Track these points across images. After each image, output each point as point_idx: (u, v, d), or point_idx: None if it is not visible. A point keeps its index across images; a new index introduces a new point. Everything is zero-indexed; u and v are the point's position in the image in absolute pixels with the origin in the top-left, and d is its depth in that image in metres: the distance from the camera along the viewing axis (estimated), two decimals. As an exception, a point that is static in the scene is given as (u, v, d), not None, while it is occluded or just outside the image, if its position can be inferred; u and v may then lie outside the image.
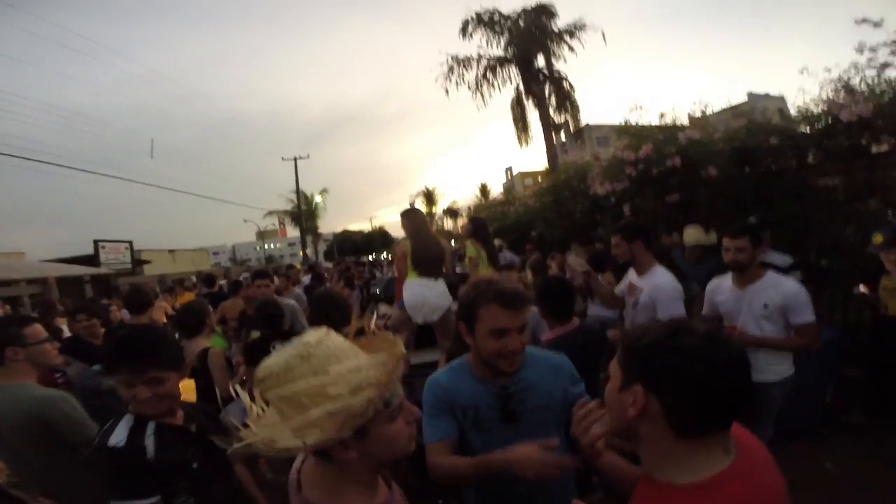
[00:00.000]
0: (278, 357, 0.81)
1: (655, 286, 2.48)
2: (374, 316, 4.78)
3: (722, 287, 2.67)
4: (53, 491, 1.76)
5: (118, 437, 1.26)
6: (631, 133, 4.51)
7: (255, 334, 3.59)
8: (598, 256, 4.58)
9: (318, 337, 0.84)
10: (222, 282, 9.18)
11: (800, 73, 3.64)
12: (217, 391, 2.64)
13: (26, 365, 1.83)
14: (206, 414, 1.58)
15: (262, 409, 0.87)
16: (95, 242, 16.06)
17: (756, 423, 2.22)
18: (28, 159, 12.56)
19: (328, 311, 2.42)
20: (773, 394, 2.43)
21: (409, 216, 3.71)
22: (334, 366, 0.79)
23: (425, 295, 3.33)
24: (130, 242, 17.77)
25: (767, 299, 2.42)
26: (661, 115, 4.58)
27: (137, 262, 18.26)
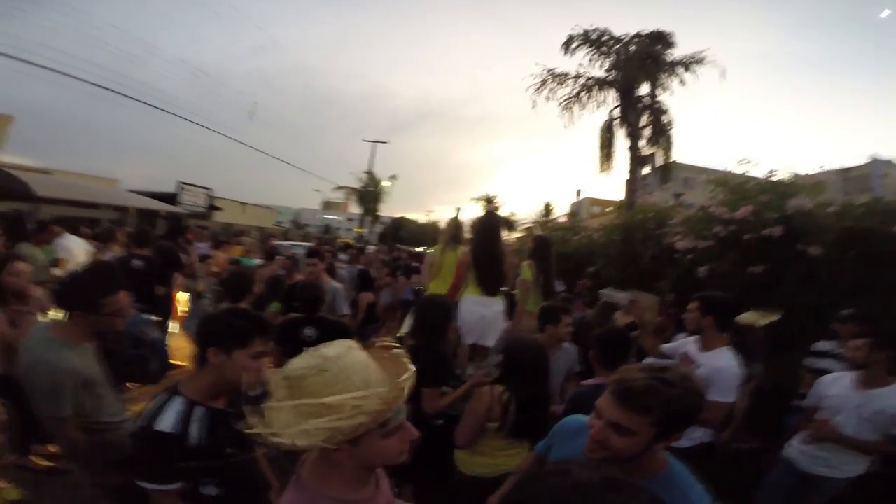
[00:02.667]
0: (300, 363, 0.91)
1: (718, 369, 2.34)
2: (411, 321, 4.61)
3: (838, 384, 2.45)
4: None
5: (167, 421, 1.23)
6: (730, 187, 4.04)
7: (276, 306, 3.62)
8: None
9: (339, 352, 0.90)
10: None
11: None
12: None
13: (84, 328, 1.70)
14: (245, 395, 1.54)
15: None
16: (180, 183, 17.43)
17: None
18: (140, 101, 13.74)
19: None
20: (837, 487, 2.39)
21: (486, 221, 3.42)
22: (342, 388, 0.84)
23: (484, 315, 3.07)
24: (209, 189, 19.10)
25: (889, 408, 2.19)
26: (770, 173, 4.07)
27: (211, 208, 19.57)
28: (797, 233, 3.36)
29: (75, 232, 6.41)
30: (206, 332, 1.34)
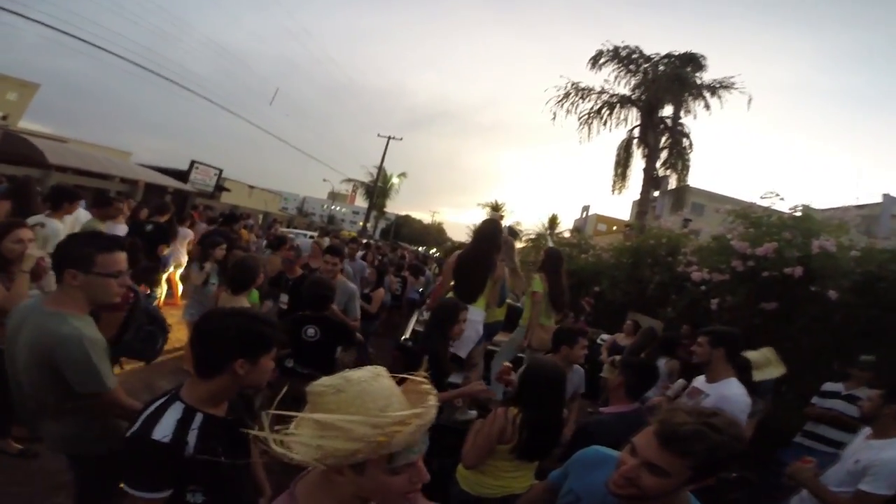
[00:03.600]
0: (324, 380, 0.86)
1: (725, 397, 2.36)
2: (414, 321, 4.55)
3: (859, 436, 2.35)
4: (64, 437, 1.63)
5: (164, 430, 1.16)
6: (751, 220, 3.97)
7: (254, 296, 3.53)
8: (671, 340, 4.20)
9: (362, 376, 0.86)
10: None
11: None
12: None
13: (80, 293, 1.54)
14: (245, 401, 1.49)
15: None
16: (192, 162, 17.42)
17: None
18: (164, 77, 13.76)
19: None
20: None
21: (482, 228, 3.37)
22: (354, 412, 0.81)
23: None
24: (220, 171, 19.07)
25: (867, 459, 2.04)
26: (794, 209, 3.98)
27: (219, 188, 19.56)
28: (817, 274, 3.30)
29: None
30: (233, 343, 1.25)
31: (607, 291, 6.72)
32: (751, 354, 3.34)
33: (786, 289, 3.56)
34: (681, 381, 3.80)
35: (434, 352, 2.43)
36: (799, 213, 3.87)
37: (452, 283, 3.30)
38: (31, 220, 3.77)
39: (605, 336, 5.82)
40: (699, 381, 2.63)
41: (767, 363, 3.31)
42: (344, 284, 3.54)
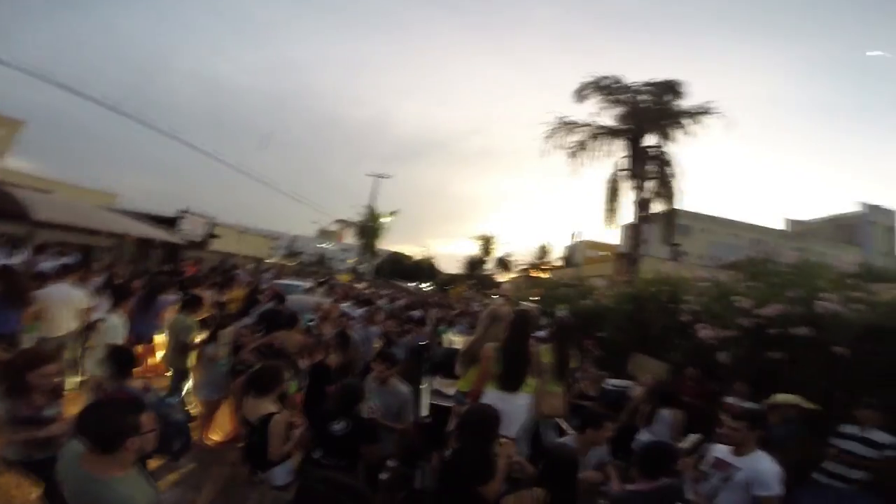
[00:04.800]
0: None
1: (759, 472, 2.50)
2: (428, 391, 4.48)
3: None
4: None
5: None
6: (752, 272, 4.04)
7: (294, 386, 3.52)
8: (664, 390, 4.17)
9: None
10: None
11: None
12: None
13: (133, 455, 1.59)
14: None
15: None
16: (181, 211, 17.32)
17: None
18: (150, 126, 13.89)
19: None
20: None
21: (519, 320, 3.42)
22: None
23: (505, 410, 2.96)
24: (213, 219, 18.94)
25: None
26: (795, 265, 4.06)
27: (209, 236, 19.41)
28: (823, 331, 3.35)
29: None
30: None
31: (610, 334, 6.71)
32: (781, 397, 3.51)
33: (792, 342, 3.60)
34: (696, 436, 3.77)
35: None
36: (799, 266, 3.96)
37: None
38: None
39: (613, 381, 5.74)
40: (723, 453, 2.67)
41: (798, 400, 3.49)
42: (396, 389, 3.41)
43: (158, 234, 15.11)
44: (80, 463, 1.51)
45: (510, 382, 3.24)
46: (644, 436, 3.77)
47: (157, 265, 14.17)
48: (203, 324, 4.94)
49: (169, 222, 16.98)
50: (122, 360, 2.88)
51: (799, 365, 3.74)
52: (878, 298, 3.49)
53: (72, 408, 2.86)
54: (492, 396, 3.19)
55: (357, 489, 1.46)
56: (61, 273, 5.20)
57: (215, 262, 19.81)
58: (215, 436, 4.17)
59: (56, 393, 2.33)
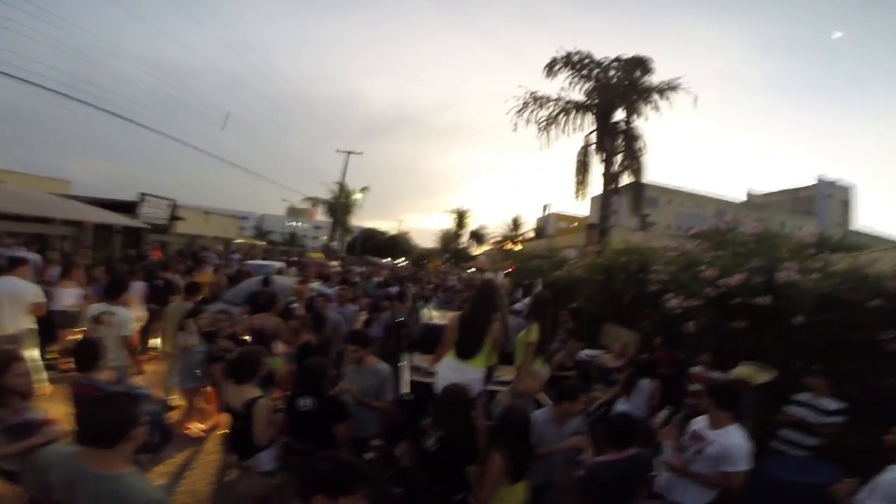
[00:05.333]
0: None
1: (728, 446, 2.60)
2: (408, 367, 4.57)
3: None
4: None
5: None
6: (716, 241, 4.22)
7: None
8: (648, 363, 4.37)
9: None
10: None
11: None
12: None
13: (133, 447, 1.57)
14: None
15: None
16: (142, 195, 16.42)
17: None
18: (100, 108, 13.01)
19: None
20: None
21: (481, 289, 3.53)
22: None
23: (457, 380, 3.06)
24: (174, 201, 18.03)
25: None
26: (757, 233, 4.24)
27: (173, 219, 18.59)
28: (782, 300, 3.57)
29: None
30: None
31: (583, 305, 6.93)
32: (742, 370, 3.62)
33: (753, 311, 3.81)
34: (666, 410, 3.98)
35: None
36: (763, 235, 4.16)
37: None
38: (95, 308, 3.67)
39: (588, 352, 5.94)
40: (700, 425, 2.80)
41: (758, 373, 3.63)
42: (374, 368, 3.33)
43: (118, 219, 14.37)
44: (83, 463, 1.46)
45: (464, 349, 3.31)
46: (622, 405, 3.91)
47: (119, 251, 13.54)
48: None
49: (128, 207, 16.13)
50: (89, 352, 2.79)
51: (760, 333, 3.99)
52: (833, 269, 3.70)
53: (49, 408, 2.78)
54: (447, 364, 3.31)
55: (358, 466, 1.50)
56: (10, 266, 4.92)
57: (181, 246, 19.14)
58: (195, 425, 4.15)
59: (29, 394, 2.22)
